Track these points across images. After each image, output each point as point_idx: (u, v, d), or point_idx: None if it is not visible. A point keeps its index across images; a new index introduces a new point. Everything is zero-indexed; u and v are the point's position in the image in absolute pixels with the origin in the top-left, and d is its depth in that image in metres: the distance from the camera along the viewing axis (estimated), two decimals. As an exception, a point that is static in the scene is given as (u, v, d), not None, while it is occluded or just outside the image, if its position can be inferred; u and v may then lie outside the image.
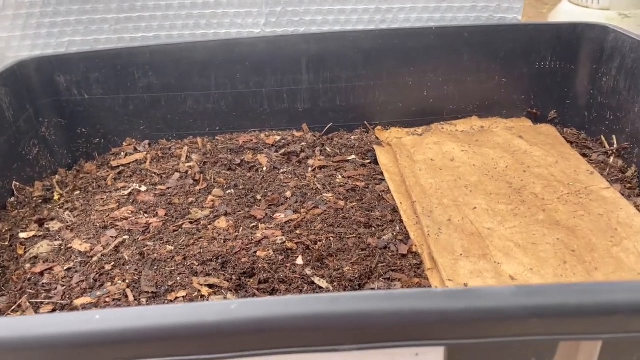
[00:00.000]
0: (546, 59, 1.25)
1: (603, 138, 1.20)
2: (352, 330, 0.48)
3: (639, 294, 0.50)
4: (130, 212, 1.03)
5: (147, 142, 1.26)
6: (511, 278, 0.81)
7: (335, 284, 0.85)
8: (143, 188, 1.10)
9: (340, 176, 1.13)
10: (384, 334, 0.48)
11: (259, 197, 1.07)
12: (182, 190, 1.10)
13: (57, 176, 1.18)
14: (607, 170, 1.11)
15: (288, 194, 1.07)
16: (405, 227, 0.97)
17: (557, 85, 1.28)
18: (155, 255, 0.90)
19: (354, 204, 1.03)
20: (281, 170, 1.15)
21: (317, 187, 1.09)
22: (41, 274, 0.89)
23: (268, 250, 0.90)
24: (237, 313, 0.47)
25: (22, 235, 0.99)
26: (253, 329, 0.47)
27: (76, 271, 0.89)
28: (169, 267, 0.88)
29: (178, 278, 0.85)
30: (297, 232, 0.96)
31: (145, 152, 1.23)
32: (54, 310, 0.81)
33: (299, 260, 0.89)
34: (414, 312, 0.47)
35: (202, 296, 0.81)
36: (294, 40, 1.22)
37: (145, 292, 0.83)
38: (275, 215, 1.01)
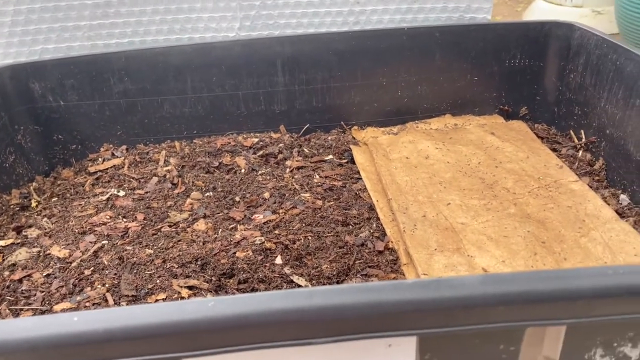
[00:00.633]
0: (516, 57, 1.28)
1: (572, 132, 1.24)
2: (328, 323, 0.50)
3: (600, 278, 0.52)
4: (108, 217, 1.03)
5: (124, 147, 1.26)
6: (484, 270, 0.84)
7: (314, 281, 0.86)
8: (121, 193, 1.11)
9: (317, 176, 1.15)
10: (358, 326, 0.50)
11: (237, 198, 1.08)
12: (161, 194, 1.10)
13: (34, 183, 1.17)
14: (576, 163, 1.14)
15: (266, 195, 1.08)
16: (381, 224, 0.99)
17: (527, 82, 1.31)
18: (135, 259, 0.91)
19: (332, 203, 1.05)
20: (259, 172, 1.16)
21: (295, 188, 1.10)
22: (20, 280, 0.89)
23: (247, 251, 0.92)
24: (215, 310, 0.48)
25: (0, 243, 0.99)
26: (231, 325, 0.49)
27: (55, 277, 0.89)
28: (148, 271, 0.88)
29: (158, 281, 0.86)
30: (276, 232, 0.97)
31: (122, 157, 1.23)
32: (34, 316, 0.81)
33: (278, 260, 0.90)
34: (387, 303, 0.49)
35: (182, 298, 0.82)
36: (268, 43, 1.23)
37: (125, 295, 0.83)
38: (253, 217, 1.02)
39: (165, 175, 1.16)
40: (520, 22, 1.27)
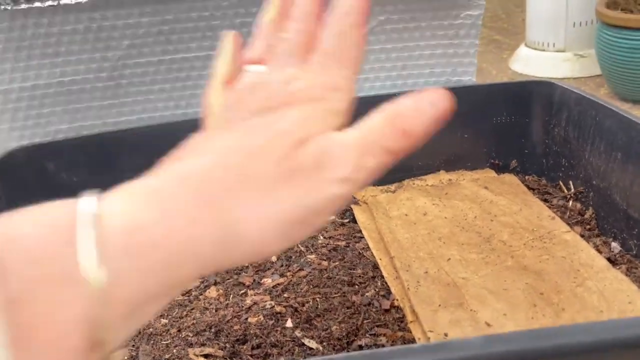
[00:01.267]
0: (502, 114, 1.36)
1: (561, 183, 1.30)
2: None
3: (594, 335, 0.57)
4: (123, 288, 1.07)
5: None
6: (487, 324, 0.88)
7: (324, 343, 0.90)
8: (133, 263, 1.15)
9: (322, 237, 1.20)
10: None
11: (246, 263, 1.12)
12: (172, 262, 1.14)
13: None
14: (567, 213, 1.20)
15: (273, 258, 1.12)
16: (386, 283, 1.03)
17: (515, 137, 1.38)
18: (151, 329, 0.94)
19: (337, 263, 1.10)
20: (265, 236, 1.21)
21: (301, 250, 1.15)
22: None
23: (258, 316, 0.95)
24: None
25: None
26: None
27: (75, 351, 0.92)
28: (164, 341, 0.92)
29: (174, 350, 0.89)
30: (285, 295, 1.01)
31: (132, 228, 1.28)
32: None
33: (289, 323, 0.94)
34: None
35: (199, 366, 0.85)
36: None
37: (144, 366, 0.86)
38: (262, 280, 1.06)
39: (174, 244, 1.20)
40: (503, 83, 1.35)
